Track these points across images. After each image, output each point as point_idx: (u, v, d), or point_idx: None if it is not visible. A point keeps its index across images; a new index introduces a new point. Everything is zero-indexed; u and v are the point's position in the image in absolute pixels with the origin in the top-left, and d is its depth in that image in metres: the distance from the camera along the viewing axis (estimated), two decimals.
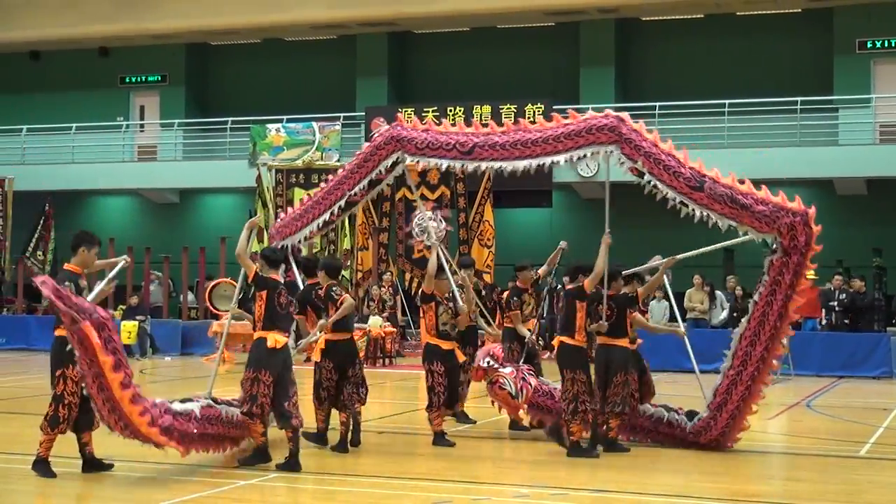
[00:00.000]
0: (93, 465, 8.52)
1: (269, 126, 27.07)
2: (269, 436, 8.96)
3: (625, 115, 9.93)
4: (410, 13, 27.18)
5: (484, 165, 10.19)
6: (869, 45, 25.65)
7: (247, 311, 9.55)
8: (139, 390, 8.11)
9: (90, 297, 8.29)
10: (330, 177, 11.12)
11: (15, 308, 25.30)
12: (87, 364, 7.79)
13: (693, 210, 9.60)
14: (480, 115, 24.57)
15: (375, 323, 19.90)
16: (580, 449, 9.66)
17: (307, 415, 9.91)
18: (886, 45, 25.65)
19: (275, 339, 8.76)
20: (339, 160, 24.42)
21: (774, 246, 9.64)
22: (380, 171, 10.58)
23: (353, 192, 10.65)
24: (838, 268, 21.51)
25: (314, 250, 22.52)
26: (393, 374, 18.35)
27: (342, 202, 10.71)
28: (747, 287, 20.20)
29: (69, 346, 7.88)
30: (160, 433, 8.20)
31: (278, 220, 11.26)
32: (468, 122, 10.83)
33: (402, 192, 23.34)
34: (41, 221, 26.50)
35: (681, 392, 13.44)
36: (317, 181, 22.54)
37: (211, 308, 21.07)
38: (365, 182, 10.60)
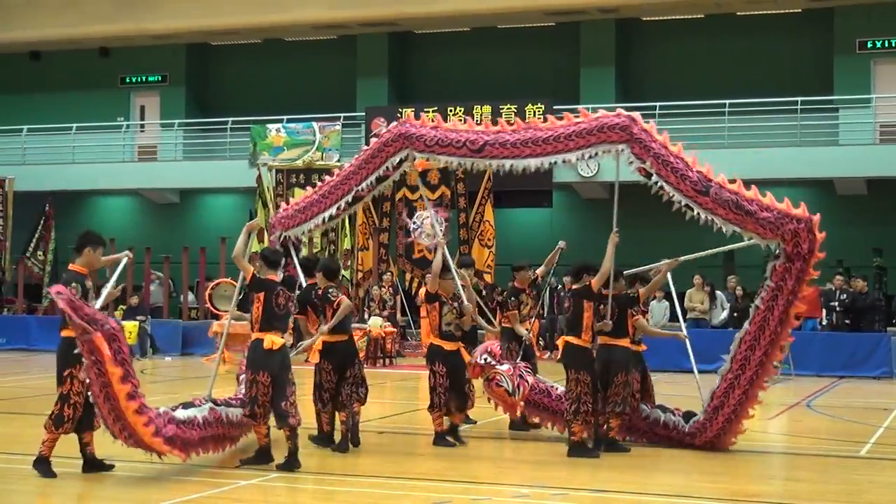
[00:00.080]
0: (93, 465, 8.54)
1: (270, 126, 27.07)
2: (271, 436, 8.97)
3: (636, 114, 9.93)
4: (411, 13, 27.18)
5: (494, 163, 10.16)
6: (869, 45, 25.65)
7: (246, 312, 9.56)
8: (144, 400, 8.18)
9: (98, 302, 8.41)
10: (336, 171, 11.11)
11: (15, 308, 25.31)
12: (96, 374, 7.89)
13: (698, 214, 9.62)
14: (481, 116, 24.58)
15: (376, 323, 19.91)
16: (581, 449, 9.67)
17: (307, 415, 9.92)
18: (887, 45, 25.65)
19: (271, 340, 8.78)
20: (339, 160, 24.41)
21: (778, 251, 9.64)
22: (387, 168, 10.57)
23: (360, 188, 10.64)
24: (839, 268, 21.52)
25: (314, 250, 22.53)
26: (393, 375, 18.36)
27: (349, 197, 10.70)
28: (748, 287, 20.23)
29: (77, 350, 7.95)
30: (164, 442, 8.29)
31: (279, 210, 11.21)
32: (468, 123, 10.81)
33: (402, 192, 23.35)
34: (41, 221, 26.49)
35: (681, 392, 13.43)
36: (317, 181, 22.40)
37: (211, 308, 21.07)
38: (373, 178, 10.60)
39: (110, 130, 30.33)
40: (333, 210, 10.75)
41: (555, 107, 22.72)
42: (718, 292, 20.44)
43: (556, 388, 10.69)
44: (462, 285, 10.66)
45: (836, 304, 19.76)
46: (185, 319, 23.62)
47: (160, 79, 31.29)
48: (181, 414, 8.68)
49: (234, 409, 9.26)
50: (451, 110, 24.74)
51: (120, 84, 31.55)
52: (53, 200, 26.96)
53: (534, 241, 24.79)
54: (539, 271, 11.78)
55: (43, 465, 8.31)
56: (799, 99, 24.52)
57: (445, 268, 10.29)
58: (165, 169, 29.30)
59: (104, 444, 8.55)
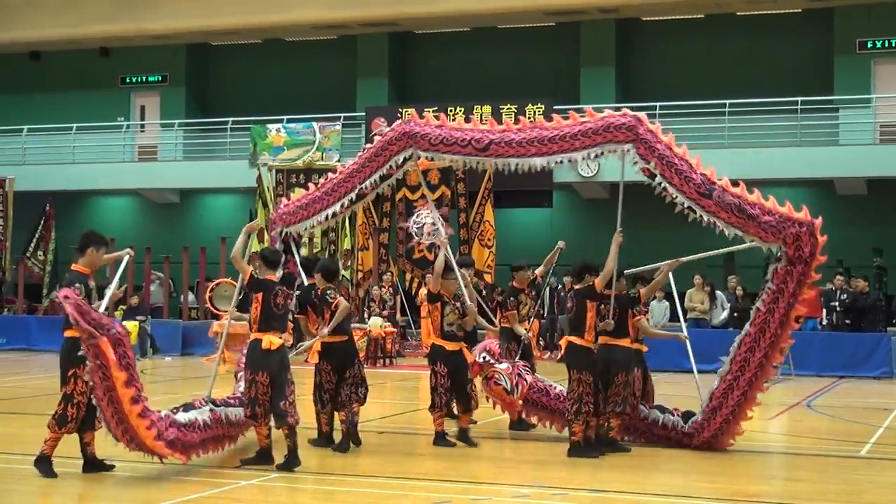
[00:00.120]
0: (94, 465, 8.55)
1: (270, 126, 27.08)
2: (272, 437, 8.98)
3: (642, 115, 9.92)
4: (411, 13, 27.18)
5: (500, 162, 10.13)
6: (869, 45, 25.65)
7: (246, 313, 9.57)
8: (147, 403, 8.22)
9: (103, 304, 8.47)
10: (339, 168, 11.07)
11: (15, 308, 25.31)
12: (100, 378, 7.95)
13: (700, 216, 9.62)
14: (481, 115, 24.55)
15: (376, 323, 19.92)
16: (581, 449, 9.67)
17: (308, 415, 9.93)
18: (887, 45, 25.64)
19: (269, 340, 8.80)
20: (339, 160, 24.40)
21: (779, 254, 9.65)
22: (390, 167, 10.55)
23: (363, 186, 10.60)
24: (839, 268, 21.51)
25: (315, 250, 22.54)
26: (393, 375, 18.35)
27: (353, 195, 10.67)
28: (748, 287, 20.24)
29: (81, 352, 8.01)
30: (165, 446, 8.34)
31: (280, 206, 11.17)
32: (469, 123, 10.78)
33: (402, 192, 23.35)
34: (42, 222, 26.47)
35: (681, 392, 13.44)
36: (317, 181, 22.46)
37: (211, 308, 21.08)
38: (376, 176, 10.56)
39: (110, 130, 30.33)
40: (337, 207, 10.72)
41: (555, 107, 22.70)
42: (718, 292, 20.44)
43: (555, 387, 10.70)
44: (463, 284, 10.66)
45: (837, 304, 19.75)
46: (186, 319, 23.62)
47: (160, 79, 31.30)
48: (182, 417, 8.74)
49: (233, 409, 9.29)
50: (451, 110, 24.73)
51: (120, 84, 31.56)
52: (54, 200, 26.95)
53: (534, 241, 24.78)
54: (538, 271, 11.78)
55: (44, 464, 8.33)
56: (799, 99, 24.52)
57: (448, 268, 10.28)
58: (165, 169, 29.31)
59: (104, 444, 8.56)
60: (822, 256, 9.57)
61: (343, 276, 22.75)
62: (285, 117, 27.34)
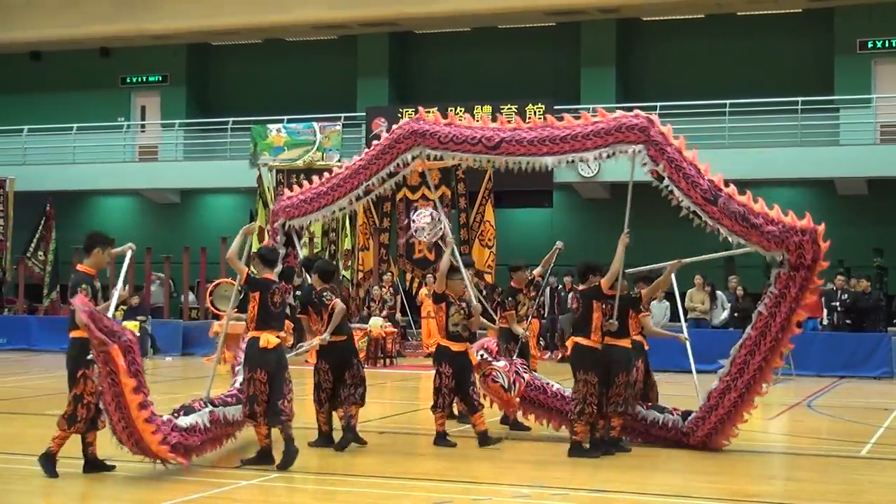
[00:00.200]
0: (94, 465, 8.57)
1: (270, 126, 27.07)
2: (272, 437, 8.97)
3: (654, 116, 9.91)
4: (411, 13, 27.18)
5: (510, 161, 10.08)
6: (870, 45, 25.65)
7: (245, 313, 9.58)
8: (153, 408, 8.30)
9: (111, 308, 8.54)
10: (344, 164, 11.03)
11: (16, 308, 25.33)
12: (109, 384, 8.04)
13: (704, 221, 9.62)
14: (481, 116, 24.52)
15: (376, 323, 19.91)
16: (581, 449, 9.67)
17: (308, 415, 9.93)
18: (887, 45, 25.64)
19: (267, 338, 8.83)
20: (339, 160, 24.38)
21: (782, 259, 9.65)
22: (398, 165, 10.49)
23: (370, 182, 10.54)
24: (839, 268, 21.50)
25: (315, 251, 22.54)
26: (393, 375, 18.34)
27: (360, 191, 10.63)
28: (748, 287, 20.24)
29: (90, 356, 8.08)
30: (168, 450, 8.41)
31: (283, 198, 11.09)
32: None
33: (402, 192, 23.34)
34: (42, 222, 26.47)
35: (681, 392, 13.42)
36: None
37: (212, 308, 21.06)
38: (384, 173, 10.50)
39: (111, 130, 30.33)
40: (344, 202, 10.69)
41: (555, 107, 22.71)
42: (719, 292, 20.44)
43: (553, 386, 10.71)
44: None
45: (837, 304, 19.75)
46: (186, 319, 23.63)
47: (161, 79, 31.30)
48: (184, 421, 8.82)
49: (230, 408, 9.35)
50: (451, 110, 24.68)
51: (120, 84, 31.56)
52: (54, 200, 26.95)
53: (534, 241, 24.75)
54: (536, 272, 11.78)
55: (48, 462, 8.36)
56: (800, 99, 24.51)
57: (454, 268, 10.27)
58: (166, 169, 29.31)
59: (105, 444, 8.57)
60: (825, 262, 9.60)
61: (344, 276, 22.76)
62: (286, 117, 27.34)
